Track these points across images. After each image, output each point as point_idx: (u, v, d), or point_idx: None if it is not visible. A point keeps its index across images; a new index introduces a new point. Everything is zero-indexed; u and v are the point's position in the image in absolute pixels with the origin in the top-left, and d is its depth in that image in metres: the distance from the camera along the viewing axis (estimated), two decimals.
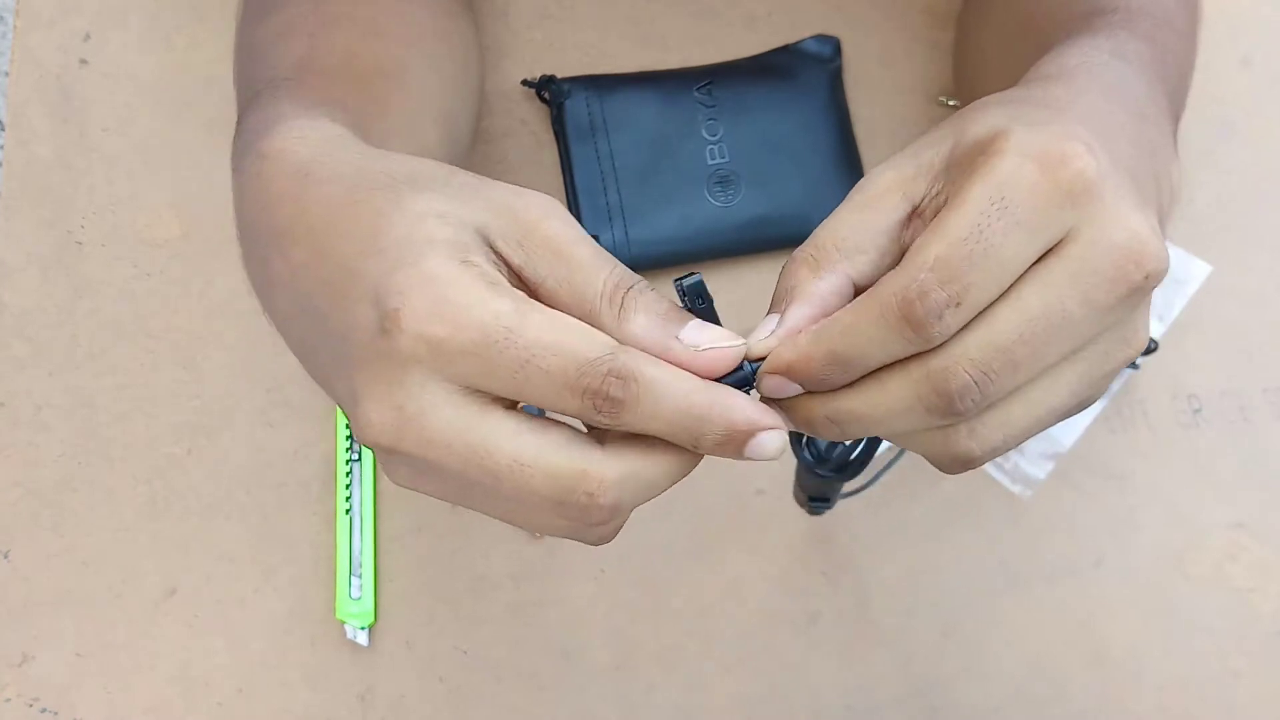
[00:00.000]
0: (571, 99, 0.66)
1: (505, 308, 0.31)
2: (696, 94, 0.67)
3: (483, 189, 0.34)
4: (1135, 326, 0.35)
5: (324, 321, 0.34)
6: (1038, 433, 0.36)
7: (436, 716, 0.60)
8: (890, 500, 0.62)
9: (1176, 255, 0.65)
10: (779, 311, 0.35)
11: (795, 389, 0.35)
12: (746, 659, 0.61)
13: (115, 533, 0.62)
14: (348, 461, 0.63)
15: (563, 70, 0.68)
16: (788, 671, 0.60)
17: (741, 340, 0.34)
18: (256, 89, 0.48)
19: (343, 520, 0.62)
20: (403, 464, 0.33)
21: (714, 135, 0.66)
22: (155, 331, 0.65)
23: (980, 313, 0.33)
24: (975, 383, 0.33)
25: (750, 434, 0.33)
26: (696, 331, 0.34)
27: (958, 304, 0.32)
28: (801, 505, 0.53)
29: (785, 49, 0.69)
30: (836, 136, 0.67)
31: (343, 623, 0.61)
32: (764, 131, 0.67)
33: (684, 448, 0.34)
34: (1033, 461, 0.62)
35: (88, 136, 0.68)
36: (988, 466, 0.62)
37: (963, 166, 0.34)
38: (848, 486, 0.53)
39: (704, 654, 0.61)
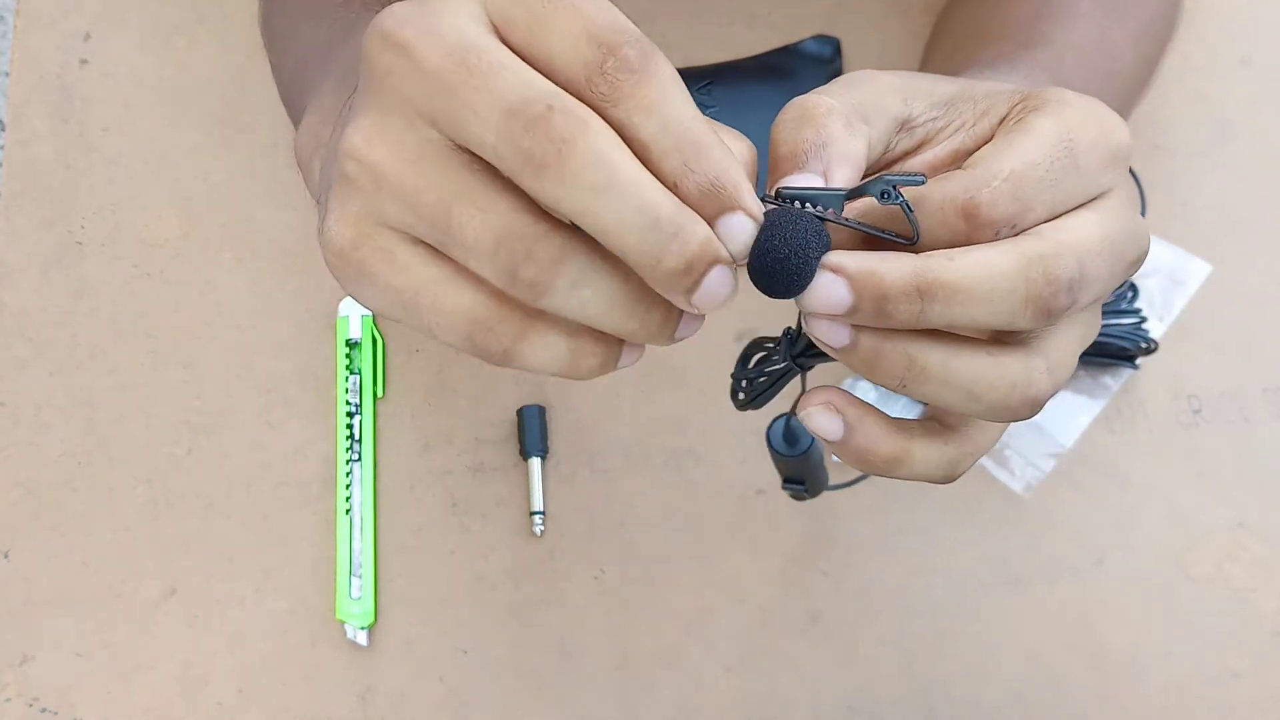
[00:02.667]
0: None
1: (483, 38, 0.29)
2: (696, 94, 0.67)
3: None
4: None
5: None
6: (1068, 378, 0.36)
7: (436, 716, 0.60)
8: (891, 499, 0.62)
9: (1176, 255, 0.65)
10: (799, 165, 0.35)
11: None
12: (746, 659, 0.61)
13: (115, 533, 0.62)
14: (348, 461, 0.63)
15: None
16: (788, 671, 0.60)
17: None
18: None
19: (343, 520, 0.62)
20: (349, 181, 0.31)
21: None
22: (155, 331, 0.65)
23: (1059, 220, 0.33)
24: (1075, 280, 0.32)
25: (734, 206, 0.31)
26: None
27: (1013, 225, 0.32)
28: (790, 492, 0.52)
29: (785, 49, 0.69)
30: None
31: (343, 623, 0.61)
32: (764, 132, 0.66)
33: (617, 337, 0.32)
34: (1033, 460, 0.62)
35: (88, 136, 0.68)
36: (988, 463, 0.62)
37: (996, 107, 0.35)
38: (835, 479, 0.53)
39: (704, 654, 0.61)
